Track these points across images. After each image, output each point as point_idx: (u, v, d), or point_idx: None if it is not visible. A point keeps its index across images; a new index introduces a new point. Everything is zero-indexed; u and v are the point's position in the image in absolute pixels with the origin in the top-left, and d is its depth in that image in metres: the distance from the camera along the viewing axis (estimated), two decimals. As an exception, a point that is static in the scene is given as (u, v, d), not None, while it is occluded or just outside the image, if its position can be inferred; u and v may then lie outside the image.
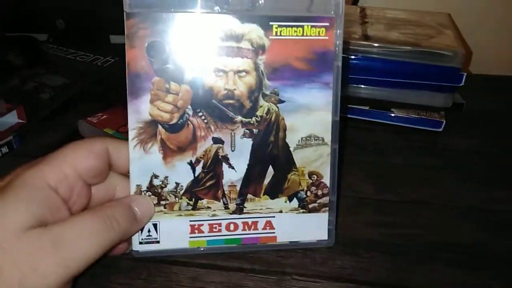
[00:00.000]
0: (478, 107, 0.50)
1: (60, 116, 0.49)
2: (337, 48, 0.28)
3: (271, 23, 0.27)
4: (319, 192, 0.31)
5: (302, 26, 0.28)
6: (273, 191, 0.30)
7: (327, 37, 0.28)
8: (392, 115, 0.47)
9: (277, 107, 0.29)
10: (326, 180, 0.31)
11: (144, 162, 0.28)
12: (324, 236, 0.31)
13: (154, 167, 0.28)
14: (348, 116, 0.48)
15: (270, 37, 0.27)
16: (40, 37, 0.63)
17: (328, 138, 0.30)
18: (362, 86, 0.47)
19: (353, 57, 0.45)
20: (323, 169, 0.30)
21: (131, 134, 0.27)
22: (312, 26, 0.28)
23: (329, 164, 0.30)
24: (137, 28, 0.26)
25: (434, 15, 0.55)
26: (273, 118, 0.29)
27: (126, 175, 0.29)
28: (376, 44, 0.45)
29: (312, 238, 0.31)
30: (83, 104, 0.51)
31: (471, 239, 0.32)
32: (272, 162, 0.30)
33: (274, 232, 0.31)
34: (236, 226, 0.30)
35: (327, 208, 0.31)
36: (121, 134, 0.39)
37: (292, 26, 0.27)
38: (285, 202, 0.30)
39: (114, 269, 0.29)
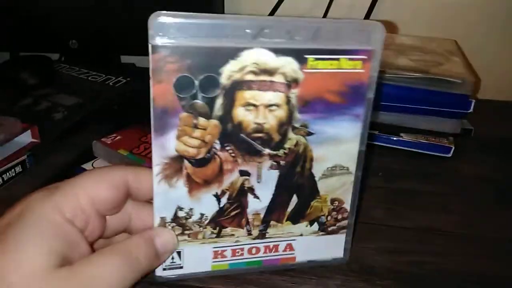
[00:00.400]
0: (486, 133, 0.50)
1: (73, 136, 0.48)
2: (371, 81, 0.27)
3: (306, 56, 0.25)
4: (339, 216, 0.31)
5: (339, 59, 0.26)
6: (296, 217, 0.30)
7: (363, 70, 0.27)
8: (401, 139, 0.47)
9: (306, 139, 0.28)
10: (347, 205, 0.31)
11: (168, 195, 0.27)
12: (340, 254, 0.32)
13: (179, 200, 0.27)
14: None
15: (305, 70, 0.26)
16: (52, 56, 0.60)
17: (353, 167, 0.30)
18: (372, 110, 0.46)
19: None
20: (345, 196, 0.31)
21: (156, 169, 0.26)
22: (349, 59, 0.26)
23: (351, 191, 0.31)
24: (164, 62, 0.24)
25: (441, 41, 0.54)
26: (301, 150, 0.28)
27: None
28: (386, 70, 0.44)
29: (328, 257, 0.32)
30: (96, 124, 0.50)
31: (485, 268, 0.32)
32: (297, 191, 0.29)
33: (293, 253, 0.31)
34: (258, 250, 0.31)
35: (345, 230, 0.32)
36: (135, 155, 0.38)
37: (328, 59, 0.26)
38: (306, 226, 0.31)
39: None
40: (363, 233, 0.35)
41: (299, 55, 0.25)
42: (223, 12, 0.59)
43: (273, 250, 0.31)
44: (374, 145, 0.48)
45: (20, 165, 0.41)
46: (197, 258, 0.29)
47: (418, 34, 0.57)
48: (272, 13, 0.62)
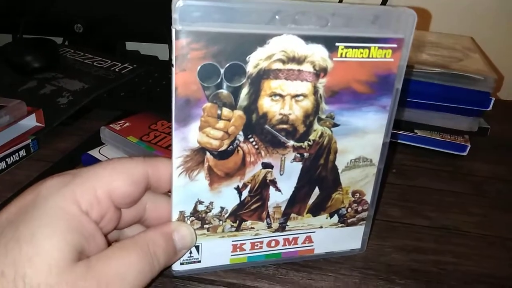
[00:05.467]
0: (503, 132, 0.49)
1: (78, 121, 0.47)
2: (400, 71, 0.26)
3: (337, 44, 0.24)
4: (359, 208, 0.31)
5: (369, 48, 0.25)
6: (316, 210, 0.29)
7: (392, 59, 0.25)
8: (415, 136, 0.45)
9: (331, 130, 0.27)
10: (368, 197, 0.30)
11: (189, 189, 0.26)
12: (358, 246, 0.32)
13: (199, 194, 0.26)
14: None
15: (334, 59, 0.24)
16: (55, 40, 0.58)
17: (376, 159, 0.29)
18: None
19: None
20: (367, 188, 0.30)
21: (176, 162, 0.25)
22: (379, 48, 0.25)
23: (373, 183, 0.30)
24: (189, 49, 0.22)
25: (457, 38, 0.53)
26: (325, 142, 0.27)
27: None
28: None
29: (347, 248, 0.32)
30: (101, 110, 0.49)
31: (507, 271, 0.31)
32: (319, 184, 0.29)
33: (312, 245, 0.31)
34: (277, 243, 0.30)
35: (365, 222, 0.31)
36: (145, 143, 0.37)
37: (358, 48, 0.24)
38: (326, 218, 0.30)
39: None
40: (380, 230, 0.34)
41: (330, 43, 0.24)
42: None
43: (293, 243, 0.30)
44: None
45: (24, 149, 0.40)
46: (216, 252, 0.29)
47: (433, 30, 0.56)
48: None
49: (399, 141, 0.46)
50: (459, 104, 0.43)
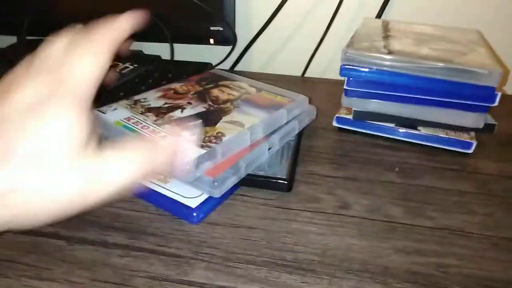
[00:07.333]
0: (511, 129, 0.46)
1: None
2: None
3: None
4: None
5: None
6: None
7: None
8: (419, 134, 0.44)
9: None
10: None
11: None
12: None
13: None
14: (373, 133, 0.45)
15: None
16: None
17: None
18: (388, 102, 0.43)
19: (378, 71, 0.42)
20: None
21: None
22: None
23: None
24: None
25: (463, 31, 0.51)
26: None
27: None
28: (406, 59, 0.41)
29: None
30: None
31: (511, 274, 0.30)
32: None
33: None
34: None
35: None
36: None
37: None
38: None
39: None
40: (379, 231, 0.33)
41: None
42: (234, 7, 0.57)
43: None
44: (390, 138, 0.45)
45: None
46: None
47: (438, 23, 0.53)
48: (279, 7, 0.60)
49: (402, 138, 0.45)
50: (463, 99, 0.41)
